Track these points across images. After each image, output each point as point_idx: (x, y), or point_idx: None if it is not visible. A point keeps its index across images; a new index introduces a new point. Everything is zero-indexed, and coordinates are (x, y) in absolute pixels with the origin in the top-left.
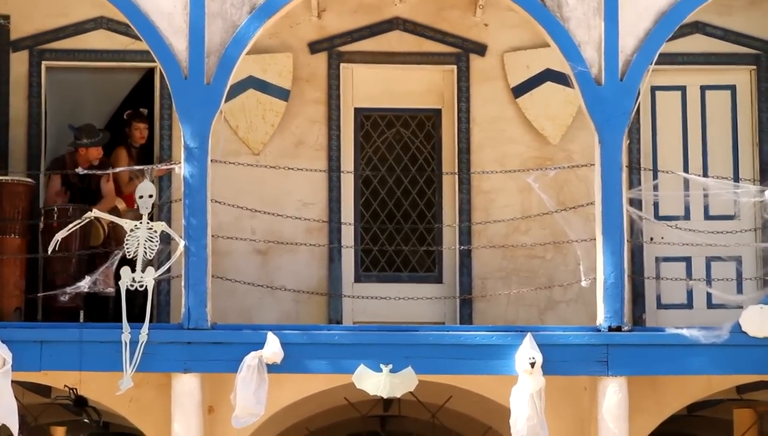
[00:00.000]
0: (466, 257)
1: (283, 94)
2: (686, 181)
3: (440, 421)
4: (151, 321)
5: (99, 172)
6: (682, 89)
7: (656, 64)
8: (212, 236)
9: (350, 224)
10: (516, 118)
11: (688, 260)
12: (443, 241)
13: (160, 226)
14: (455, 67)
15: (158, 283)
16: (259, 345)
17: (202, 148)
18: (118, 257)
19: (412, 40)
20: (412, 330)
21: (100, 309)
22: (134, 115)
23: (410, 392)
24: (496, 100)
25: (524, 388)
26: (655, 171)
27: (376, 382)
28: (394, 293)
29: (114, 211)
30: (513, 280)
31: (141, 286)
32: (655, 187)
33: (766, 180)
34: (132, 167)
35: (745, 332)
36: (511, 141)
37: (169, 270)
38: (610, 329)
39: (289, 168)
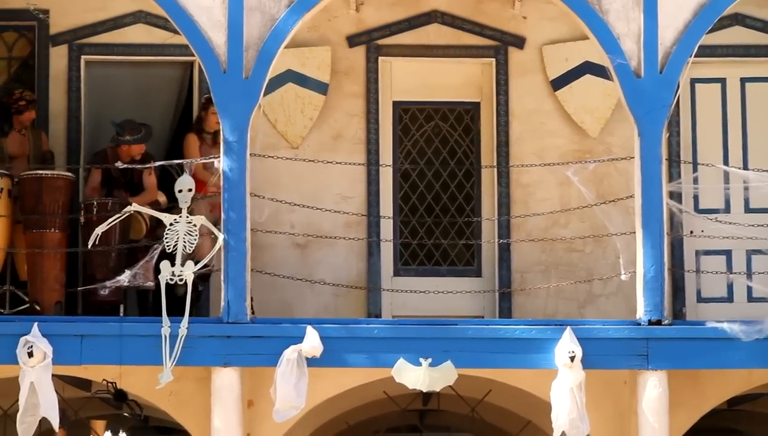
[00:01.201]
0: (505, 251)
1: (321, 87)
2: (726, 174)
3: (479, 415)
4: (190, 315)
5: (139, 166)
6: (722, 81)
7: (696, 56)
8: (251, 229)
9: (389, 217)
10: (555, 111)
11: (728, 253)
12: (482, 234)
13: (200, 220)
14: (494, 60)
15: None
16: (299, 339)
17: (240, 142)
18: (158, 250)
19: (450, 33)
20: (452, 324)
21: (144, 303)
22: (211, 100)
23: (449, 386)
24: (535, 93)
25: (564, 382)
26: (694, 164)
27: (416, 376)
28: (433, 286)
29: (155, 204)
30: (552, 273)
31: (180, 280)
32: (695, 180)
33: None
34: (171, 161)
35: None
36: (550, 134)
37: (208, 264)
38: (650, 322)
39: (327, 162)
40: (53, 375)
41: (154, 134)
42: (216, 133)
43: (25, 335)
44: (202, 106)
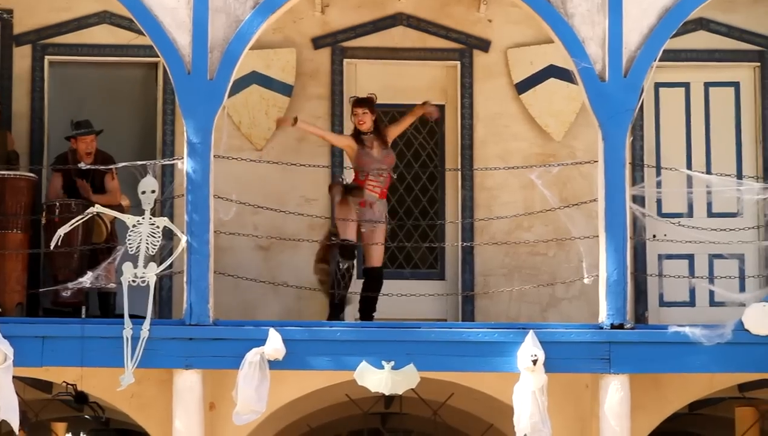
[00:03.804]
0: (468, 254)
1: (286, 89)
2: (689, 179)
3: (442, 418)
4: (152, 317)
5: (103, 166)
6: (686, 86)
7: (660, 60)
8: (214, 231)
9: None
10: (519, 114)
11: (690, 257)
12: (446, 237)
13: (163, 221)
14: (459, 63)
15: (160, 279)
16: (261, 341)
17: (204, 143)
18: (121, 252)
19: (415, 35)
20: (415, 327)
21: (106, 305)
22: (358, 100)
23: (412, 389)
24: (500, 96)
25: (526, 385)
26: (658, 168)
27: (378, 379)
28: (396, 289)
29: (118, 208)
30: (515, 277)
31: (143, 281)
32: (658, 185)
33: None
34: (135, 163)
35: (748, 330)
36: (515, 137)
37: (171, 266)
38: (612, 326)
39: (291, 164)
40: (14, 377)
41: (120, 135)
42: (374, 133)
43: None
44: (352, 105)
